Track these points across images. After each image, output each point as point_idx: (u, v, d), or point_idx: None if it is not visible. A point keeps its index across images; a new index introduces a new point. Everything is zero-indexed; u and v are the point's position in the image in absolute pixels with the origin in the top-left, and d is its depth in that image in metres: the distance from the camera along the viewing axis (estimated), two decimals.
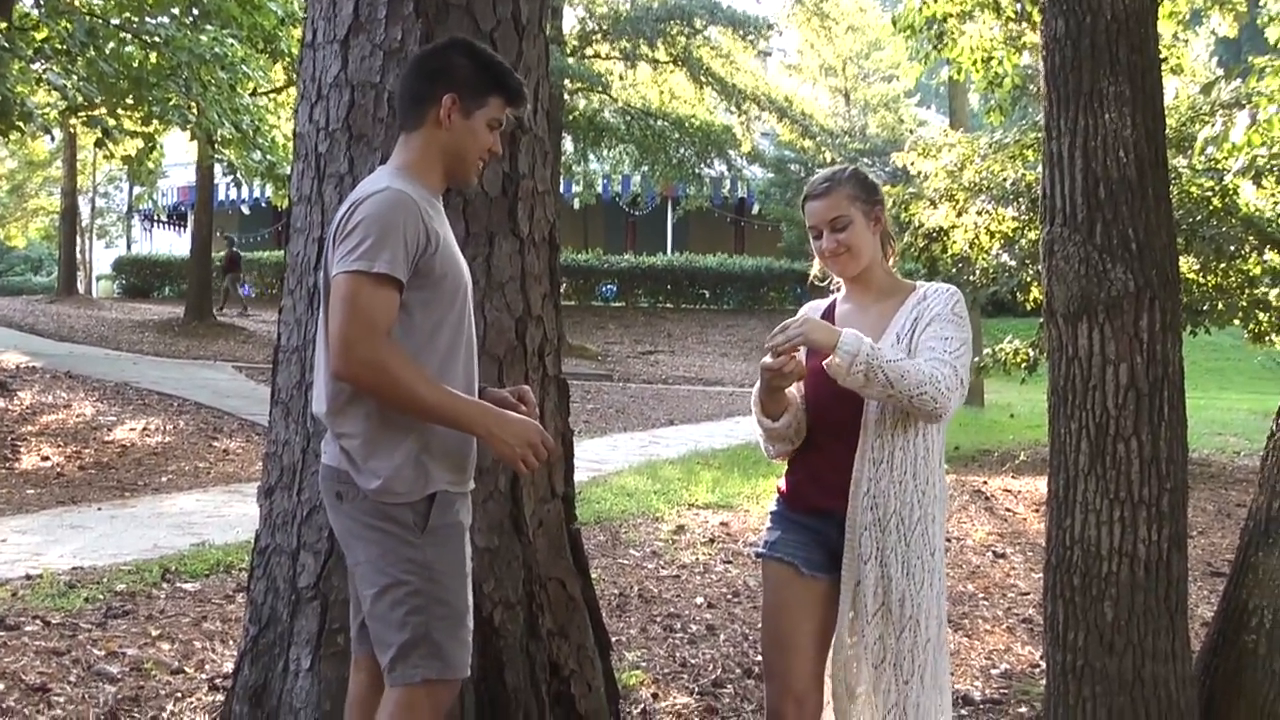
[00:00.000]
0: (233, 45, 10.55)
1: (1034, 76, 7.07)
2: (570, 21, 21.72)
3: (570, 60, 20.11)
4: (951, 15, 7.08)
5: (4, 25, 9.55)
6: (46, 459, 8.78)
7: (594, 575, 4.34)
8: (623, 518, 6.78)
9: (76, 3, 10.60)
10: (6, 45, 9.40)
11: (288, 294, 3.12)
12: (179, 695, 3.62)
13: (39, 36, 10.55)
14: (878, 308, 2.59)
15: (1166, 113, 3.68)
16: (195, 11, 11.06)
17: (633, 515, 6.86)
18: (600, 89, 21.49)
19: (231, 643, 4.06)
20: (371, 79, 2.95)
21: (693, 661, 4.21)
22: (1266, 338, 8.58)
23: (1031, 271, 8.22)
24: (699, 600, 5.05)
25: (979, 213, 8.63)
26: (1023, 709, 3.85)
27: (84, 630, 4.21)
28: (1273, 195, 7.71)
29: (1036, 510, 7.09)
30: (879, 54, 30.78)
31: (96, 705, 3.47)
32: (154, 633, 4.23)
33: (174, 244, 32.35)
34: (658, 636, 4.51)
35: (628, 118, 22.35)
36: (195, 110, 10.56)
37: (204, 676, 3.81)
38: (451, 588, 2.27)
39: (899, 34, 7.77)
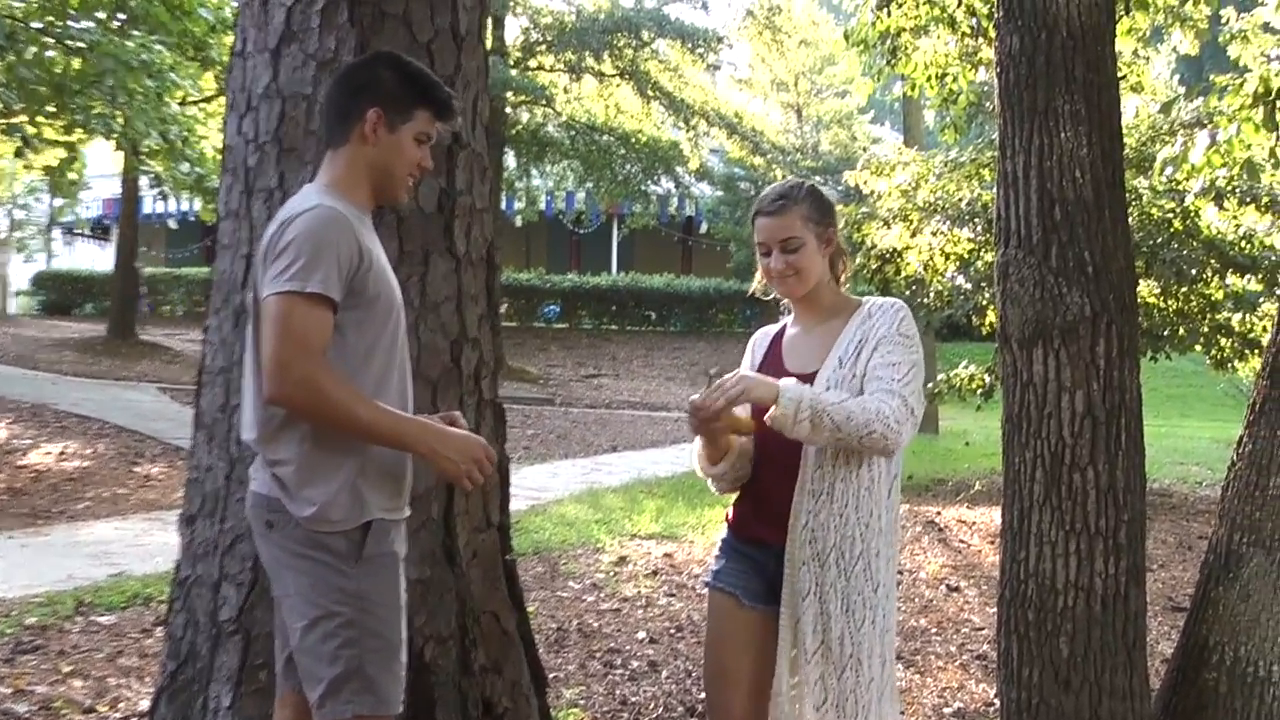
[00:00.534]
0: (161, 52, 10.25)
1: (990, 93, 7.00)
2: (513, 32, 21.32)
3: (513, 72, 19.82)
4: (905, 30, 6.97)
5: None
6: None
7: (531, 608, 4.21)
8: (562, 548, 6.62)
9: None
10: None
11: (213, 313, 3.04)
12: None
13: None
14: (822, 329, 2.52)
15: (1126, 132, 3.66)
16: (122, 16, 10.78)
17: (573, 546, 6.71)
18: (544, 102, 21.14)
19: (148, 679, 3.91)
20: (304, 90, 2.87)
21: (633, 699, 4.08)
22: (1229, 364, 8.39)
23: (988, 295, 8.12)
24: (641, 635, 4.91)
25: (934, 233, 8.53)
26: None
27: None
28: (1235, 217, 7.69)
29: (992, 542, 6.97)
30: (832, 69, 30.42)
31: None
32: (65, 669, 4.08)
33: (96, 259, 31.48)
34: (597, 673, 4.38)
35: (572, 132, 21.99)
36: (121, 119, 10.27)
37: (118, 715, 3.66)
38: (386, 619, 2.22)
39: (852, 49, 7.60)
